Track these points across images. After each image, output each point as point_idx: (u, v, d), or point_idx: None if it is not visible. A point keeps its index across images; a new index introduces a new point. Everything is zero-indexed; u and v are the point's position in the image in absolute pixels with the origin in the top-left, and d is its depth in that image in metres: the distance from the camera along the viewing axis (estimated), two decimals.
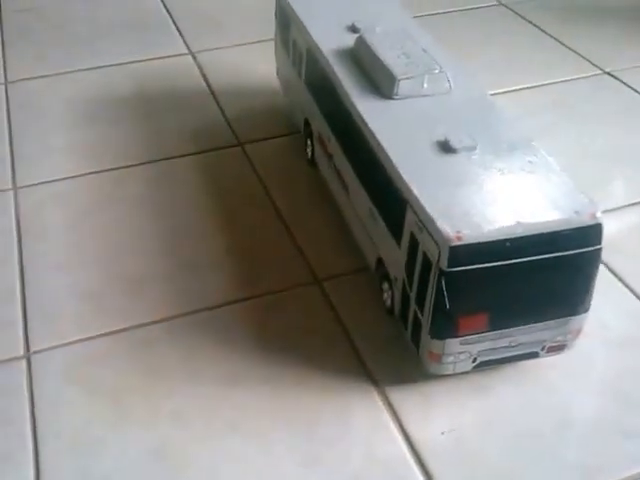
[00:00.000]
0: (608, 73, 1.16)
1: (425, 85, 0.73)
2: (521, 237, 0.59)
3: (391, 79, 0.73)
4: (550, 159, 0.66)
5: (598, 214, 0.60)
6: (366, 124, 0.71)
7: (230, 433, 0.66)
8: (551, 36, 1.27)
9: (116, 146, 1.00)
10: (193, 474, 0.63)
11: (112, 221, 0.88)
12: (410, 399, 0.69)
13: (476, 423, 0.67)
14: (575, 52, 1.22)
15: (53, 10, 1.37)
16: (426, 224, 0.61)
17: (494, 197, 0.62)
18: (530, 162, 0.65)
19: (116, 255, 0.83)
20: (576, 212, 0.60)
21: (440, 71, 0.73)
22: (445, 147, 0.66)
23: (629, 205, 0.91)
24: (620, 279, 0.80)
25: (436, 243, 0.59)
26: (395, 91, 0.73)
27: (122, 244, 0.85)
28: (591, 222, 0.60)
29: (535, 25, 1.30)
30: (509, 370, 0.70)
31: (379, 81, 0.75)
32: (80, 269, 0.82)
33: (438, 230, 0.59)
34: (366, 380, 0.70)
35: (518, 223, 0.59)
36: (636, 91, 1.12)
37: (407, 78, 0.72)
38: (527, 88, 1.12)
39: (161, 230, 0.87)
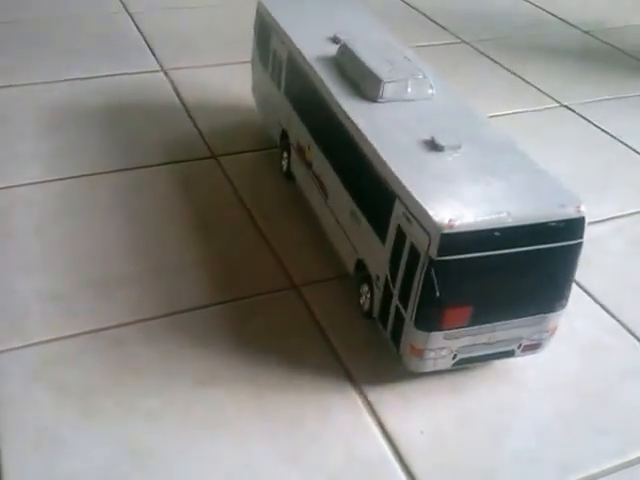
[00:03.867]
0: (565, 106, 1.22)
1: (409, 89, 0.74)
2: (510, 227, 0.60)
3: (376, 82, 0.74)
4: (534, 159, 0.68)
5: (582, 207, 0.62)
6: (354, 124, 0.72)
7: (204, 433, 0.64)
8: (511, 72, 1.33)
9: (83, 154, 0.99)
10: (163, 474, 0.61)
11: (80, 226, 0.86)
12: (389, 399, 0.69)
13: (454, 422, 0.67)
14: (534, 86, 1.28)
15: (33, 24, 1.38)
16: (416, 214, 0.61)
17: (482, 191, 0.63)
18: (515, 161, 0.67)
19: (85, 259, 0.81)
20: (562, 205, 0.61)
21: (423, 77, 0.75)
22: (432, 145, 0.68)
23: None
24: (587, 292, 0.83)
25: (426, 232, 0.60)
26: (380, 94, 0.74)
27: (91, 249, 0.83)
28: (576, 215, 0.61)
29: (496, 62, 1.36)
30: (485, 371, 0.71)
31: (364, 85, 0.76)
32: (47, 272, 0.79)
33: (430, 218, 0.59)
34: (345, 380, 0.70)
35: (508, 213, 0.60)
36: (590, 122, 1.17)
37: (392, 81, 0.74)
38: (489, 117, 1.16)
39: (131, 236, 0.85)
